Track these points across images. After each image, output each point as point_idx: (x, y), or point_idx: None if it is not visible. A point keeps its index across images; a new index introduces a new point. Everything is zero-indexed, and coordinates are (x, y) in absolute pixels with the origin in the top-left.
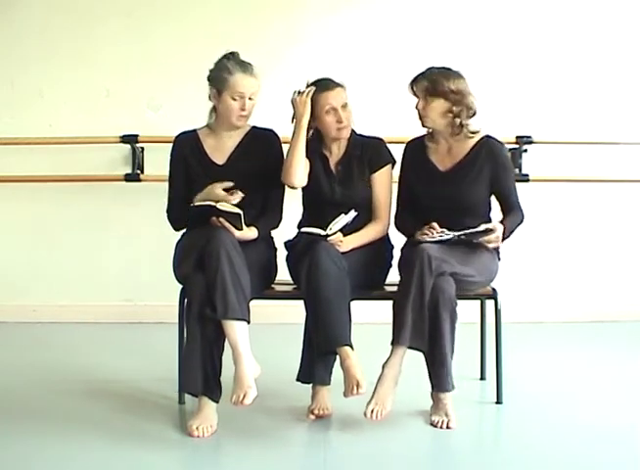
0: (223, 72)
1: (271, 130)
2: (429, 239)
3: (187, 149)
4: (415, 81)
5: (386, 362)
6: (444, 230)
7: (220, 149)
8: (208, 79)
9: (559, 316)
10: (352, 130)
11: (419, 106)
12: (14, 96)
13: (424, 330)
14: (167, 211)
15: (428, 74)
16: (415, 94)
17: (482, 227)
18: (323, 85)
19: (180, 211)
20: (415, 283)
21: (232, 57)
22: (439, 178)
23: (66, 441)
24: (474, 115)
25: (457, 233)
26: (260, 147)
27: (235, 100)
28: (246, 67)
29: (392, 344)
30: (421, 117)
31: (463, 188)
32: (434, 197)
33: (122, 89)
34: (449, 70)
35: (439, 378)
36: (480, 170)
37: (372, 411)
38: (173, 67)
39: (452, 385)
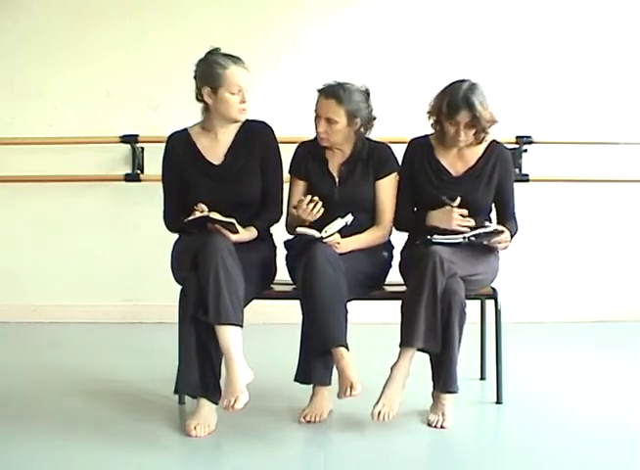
0: (215, 68)
1: (264, 122)
2: (439, 240)
3: (181, 150)
4: (456, 108)
5: (394, 364)
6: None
7: (215, 148)
8: (199, 79)
9: (559, 316)
10: (360, 134)
11: (459, 137)
12: (14, 96)
13: (437, 332)
14: (165, 219)
15: (467, 102)
16: (450, 115)
17: (492, 228)
18: (325, 89)
19: (179, 220)
20: (428, 285)
21: (217, 52)
22: (452, 184)
23: (65, 441)
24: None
25: (467, 235)
26: (255, 142)
27: (234, 94)
28: (237, 59)
29: (402, 345)
30: (455, 139)
31: (478, 194)
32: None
33: (122, 89)
34: (479, 90)
35: (446, 379)
36: (490, 175)
37: (379, 413)
38: (173, 67)
39: (458, 386)
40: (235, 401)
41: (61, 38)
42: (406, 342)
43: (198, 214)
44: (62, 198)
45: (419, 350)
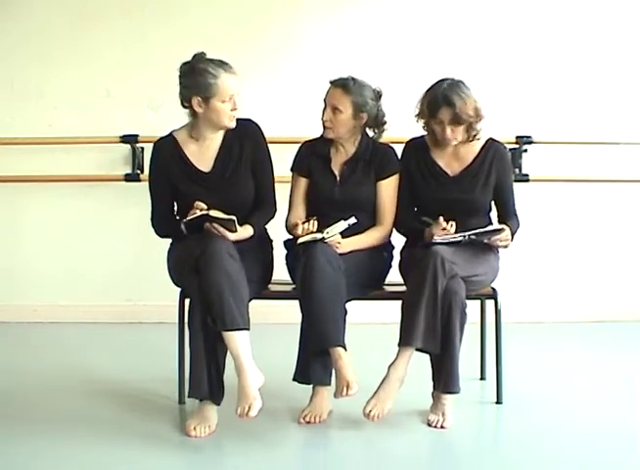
0: (207, 78)
1: (249, 120)
2: (439, 240)
3: (168, 156)
4: (436, 106)
5: (392, 364)
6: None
7: (204, 155)
8: (187, 88)
9: (559, 316)
10: (365, 134)
11: (445, 134)
12: (14, 96)
13: (437, 332)
14: (153, 224)
15: (445, 99)
16: (432, 114)
17: (492, 227)
18: (336, 80)
19: (167, 224)
20: (428, 285)
21: (204, 58)
22: (450, 183)
23: (65, 441)
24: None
25: (467, 233)
26: (244, 144)
27: (225, 102)
28: (226, 66)
29: (400, 345)
30: (443, 139)
31: (475, 193)
32: (444, 201)
33: (122, 89)
34: (459, 86)
35: (448, 380)
36: (488, 174)
37: (370, 412)
38: (173, 66)
39: (460, 387)
40: (249, 409)
41: (61, 38)
42: (405, 341)
43: (198, 213)
44: (62, 198)
45: (418, 350)
